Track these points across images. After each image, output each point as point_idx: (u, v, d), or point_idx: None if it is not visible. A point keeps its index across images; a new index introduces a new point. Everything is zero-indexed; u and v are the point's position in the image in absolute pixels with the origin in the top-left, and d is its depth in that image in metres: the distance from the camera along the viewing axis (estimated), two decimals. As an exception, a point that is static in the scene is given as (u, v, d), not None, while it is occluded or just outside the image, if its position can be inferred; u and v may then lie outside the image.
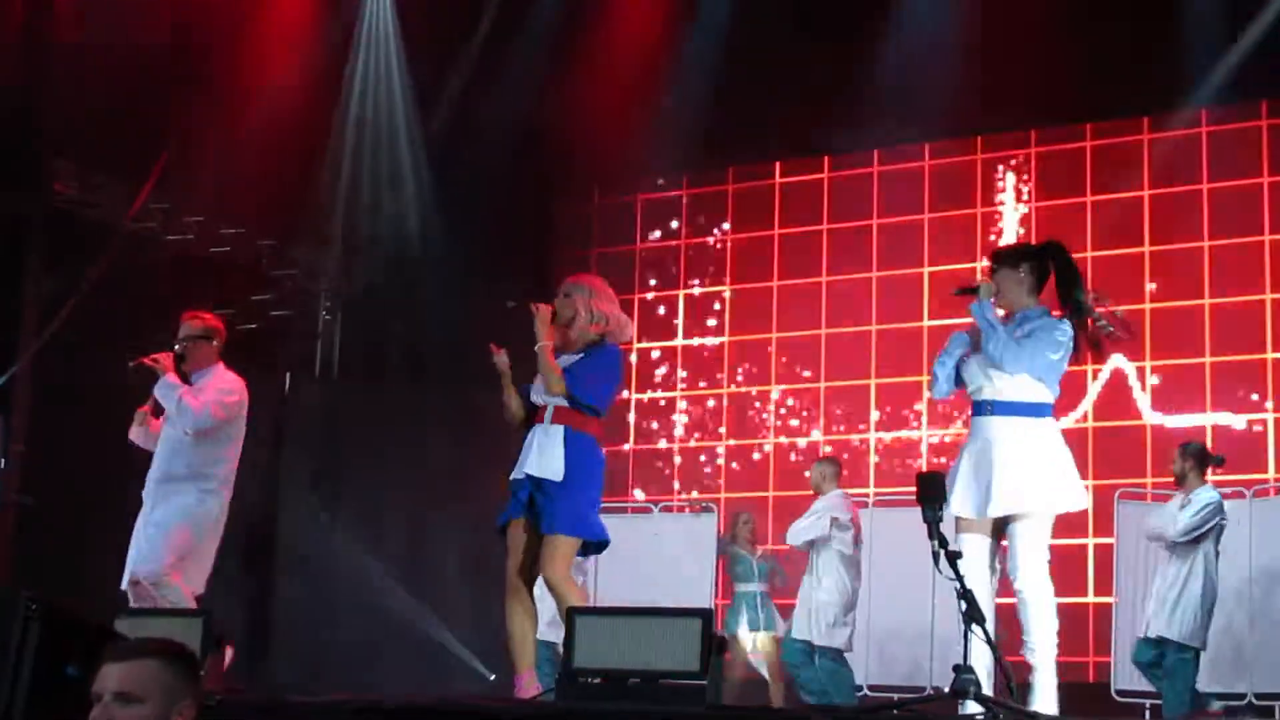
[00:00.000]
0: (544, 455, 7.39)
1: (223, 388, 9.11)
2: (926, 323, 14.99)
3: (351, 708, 6.54)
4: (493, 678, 13.73)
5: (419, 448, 14.43)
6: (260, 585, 14.25)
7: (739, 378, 15.90)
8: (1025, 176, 14.97)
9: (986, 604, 7.24)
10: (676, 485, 15.93)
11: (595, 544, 7.56)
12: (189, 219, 15.67)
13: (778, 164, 15.94)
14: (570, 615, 6.60)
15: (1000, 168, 15.13)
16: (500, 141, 15.64)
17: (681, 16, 15.05)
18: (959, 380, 7.70)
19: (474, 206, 15.82)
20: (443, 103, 15.89)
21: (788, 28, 14.65)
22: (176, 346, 9.15)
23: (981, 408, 7.53)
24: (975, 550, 7.43)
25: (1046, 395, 7.46)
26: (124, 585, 9.06)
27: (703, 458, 15.97)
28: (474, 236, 15.81)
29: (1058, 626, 7.39)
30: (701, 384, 16.08)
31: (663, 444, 16.19)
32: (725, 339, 15.92)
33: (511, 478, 7.54)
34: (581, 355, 7.54)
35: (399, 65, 15.94)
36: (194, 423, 8.92)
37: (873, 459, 15.06)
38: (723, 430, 15.89)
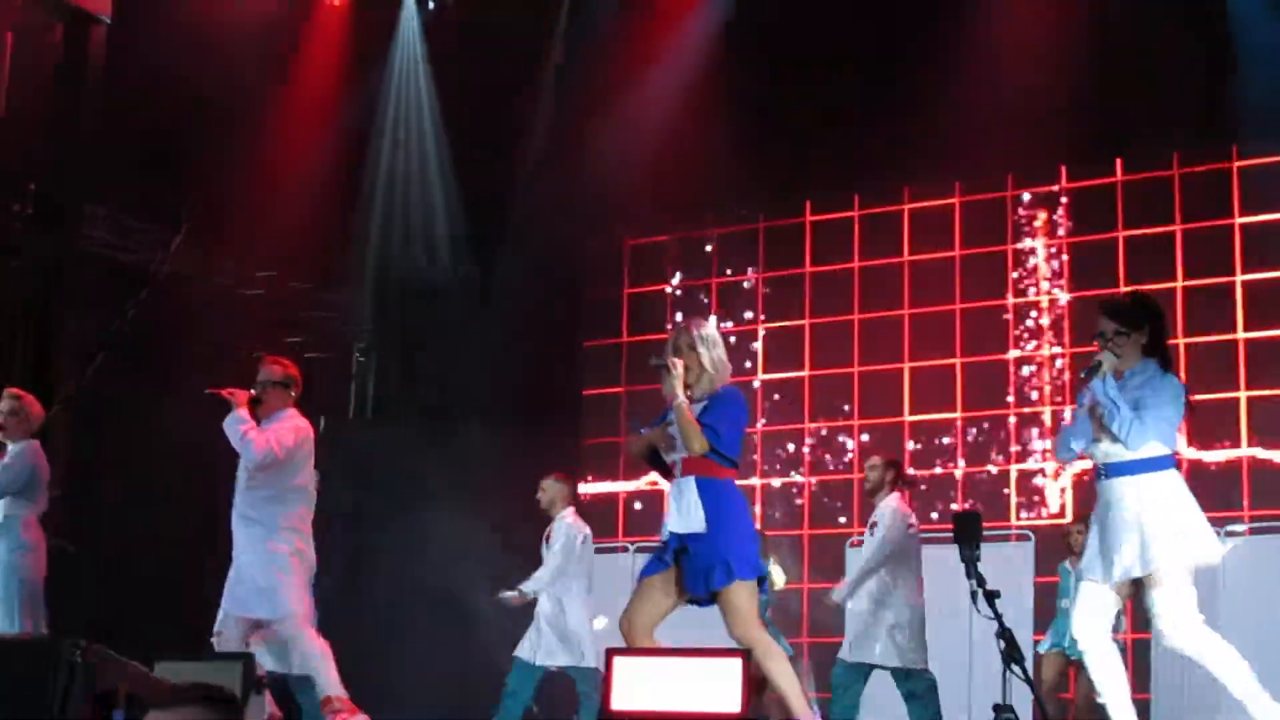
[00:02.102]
0: (684, 510, 7.30)
1: (286, 428, 9.22)
2: (959, 359, 14.96)
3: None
4: (534, 709, 13.71)
5: (456, 487, 14.42)
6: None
7: (769, 414, 15.87)
8: (1057, 212, 14.94)
9: (1108, 656, 7.30)
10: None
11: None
12: (223, 262, 15.74)
13: (807, 202, 15.93)
14: (608, 656, 6.59)
15: (1027, 195, 15.08)
16: (532, 182, 15.71)
17: (714, 57, 15.09)
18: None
19: (505, 247, 15.88)
20: (473, 142, 15.96)
21: (819, 68, 14.71)
22: (254, 389, 9.26)
23: (1100, 471, 7.50)
24: (1099, 606, 7.40)
25: (1164, 448, 7.42)
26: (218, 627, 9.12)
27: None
28: (506, 277, 15.86)
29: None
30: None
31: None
32: (759, 378, 15.89)
33: (661, 538, 7.50)
34: (708, 405, 7.41)
35: (430, 108, 16.01)
36: (255, 458, 9.03)
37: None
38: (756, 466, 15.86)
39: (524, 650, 11.57)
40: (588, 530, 11.82)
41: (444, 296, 16.45)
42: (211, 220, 14.97)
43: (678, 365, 7.39)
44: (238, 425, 9.07)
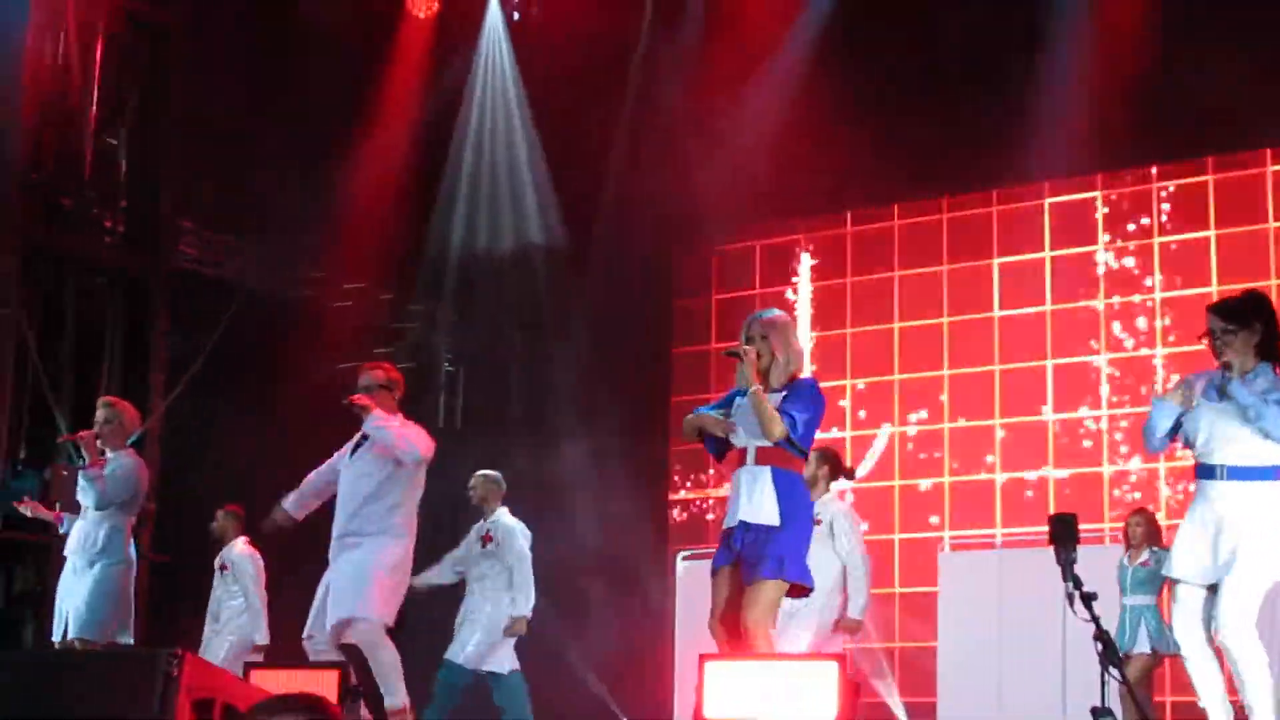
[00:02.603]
0: (756, 500, 7.20)
1: (422, 430, 9.25)
2: (1051, 361, 14.84)
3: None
4: None
5: (548, 498, 14.41)
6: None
7: (861, 416, 15.79)
8: (1146, 212, 14.81)
9: (1208, 661, 7.25)
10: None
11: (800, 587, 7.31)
12: (311, 275, 15.84)
13: (895, 206, 15.85)
14: (702, 663, 6.54)
15: (1108, 194, 14.96)
16: (620, 188, 15.71)
17: (800, 60, 15.05)
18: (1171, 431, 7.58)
19: (593, 255, 15.88)
20: (558, 153, 15.98)
21: (904, 70, 14.65)
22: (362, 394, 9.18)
23: (1213, 471, 7.37)
24: (1195, 607, 7.33)
25: (1278, 456, 7.31)
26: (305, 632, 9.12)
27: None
28: (593, 284, 15.87)
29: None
30: (833, 428, 15.95)
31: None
32: (848, 382, 15.82)
33: (725, 526, 7.41)
34: (786, 395, 7.32)
35: (519, 115, 16.03)
36: (416, 455, 9.02)
37: (998, 499, 14.90)
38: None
39: (458, 654, 11.41)
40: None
41: (532, 306, 16.48)
42: (298, 234, 15.09)
43: (751, 353, 7.34)
44: (384, 424, 9.04)
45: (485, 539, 11.54)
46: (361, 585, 8.86)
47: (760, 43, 15.25)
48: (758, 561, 7.11)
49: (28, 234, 13.48)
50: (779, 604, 7.21)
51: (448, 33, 15.89)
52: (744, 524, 7.22)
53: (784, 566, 7.10)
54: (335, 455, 9.42)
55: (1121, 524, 11.95)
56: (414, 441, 9.02)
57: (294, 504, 9.45)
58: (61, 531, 10.25)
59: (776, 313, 7.62)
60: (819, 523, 9.63)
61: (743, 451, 7.34)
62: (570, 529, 14.55)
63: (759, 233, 16.52)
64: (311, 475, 9.50)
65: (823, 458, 10.17)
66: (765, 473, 7.23)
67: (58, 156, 13.82)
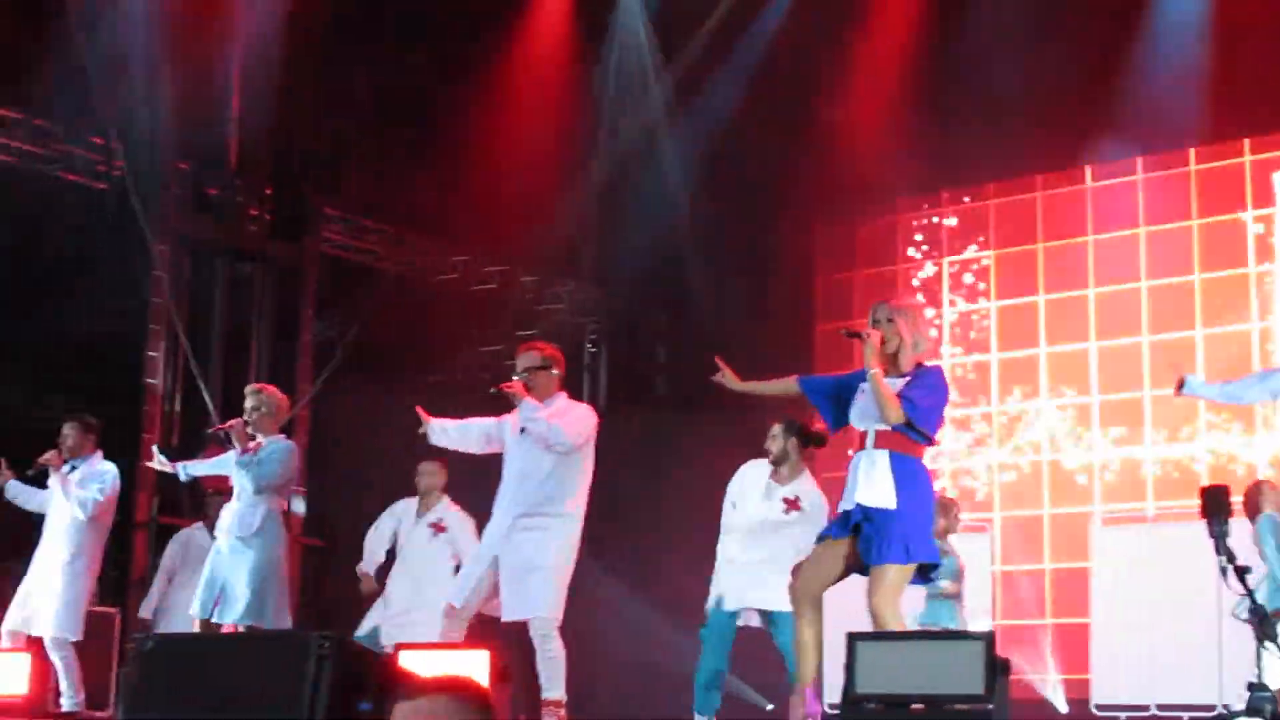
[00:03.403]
0: (873, 483, 7.21)
1: (581, 410, 9.12)
2: (1200, 331, 14.61)
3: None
4: (770, 708, 13.67)
5: (694, 474, 14.40)
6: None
7: (1011, 394, 15.65)
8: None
9: None
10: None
11: (929, 567, 7.33)
12: (455, 259, 15.95)
13: (1038, 177, 15.67)
14: (851, 640, 6.53)
15: (1257, 159, 14.69)
16: (761, 164, 15.66)
17: (936, 33, 14.92)
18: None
19: (734, 231, 15.84)
20: (702, 125, 15.91)
21: (1040, 37, 14.47)
22: (517, 378, 8.99)
23: None
24: None
25: None
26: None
27: (969, 481, 15.68)
28: (734, 262, 15.84)
29: None
30: (980, 401, 15.81)
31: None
32: (993, 356, 15.68)
33: (840, 509, 7.42)
34: (910, 380, 7.32)
35: (658, 90, 15.99)
36: (568, 441, 8.84)
37: (1150, 472, 14.70)
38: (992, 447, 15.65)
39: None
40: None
41: (672, 285, 16.47)
42: (442, 217, 15.19)
43: (873, 335, 7.31)
44: (535, 412, 8.85)
45: (436, 528, 11.49)
46: (535, 582, 8.78)
47: (901, 13, 15.13)
48: (881, 545, 7.13)
49: (176, 224, 13.69)
50: (903, 587, 7.20)
51: (585, 10, 15.88)
52: (860, 507, 7.22)
53: (909, 550, 7.13)
54: (500, 420, 9.20)
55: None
56: (564, 428, 8.82)
57: (440, 429, 9.26)
58: (183, 479, 10.64)
59: (906, 298, 7.63)
60: (796, 505, 9.49)
61: (863, 435, 7.36)
62: (715, 505, 14.52)
63: (903, 206, 16.42)
64: (471, 420, 9.31)
65: (788, 428, 9.66)
66: (883, 456, 7.24)
67: (204, 147, 14.01)
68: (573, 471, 8.96)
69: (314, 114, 14.60)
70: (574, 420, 8.96)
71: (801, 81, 15.43)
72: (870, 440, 7.29)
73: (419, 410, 9.19)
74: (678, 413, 15.68)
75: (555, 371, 9.09)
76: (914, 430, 7.20)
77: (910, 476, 7.22)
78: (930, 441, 7.32)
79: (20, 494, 10.83)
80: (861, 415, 7.37)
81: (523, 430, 8.97)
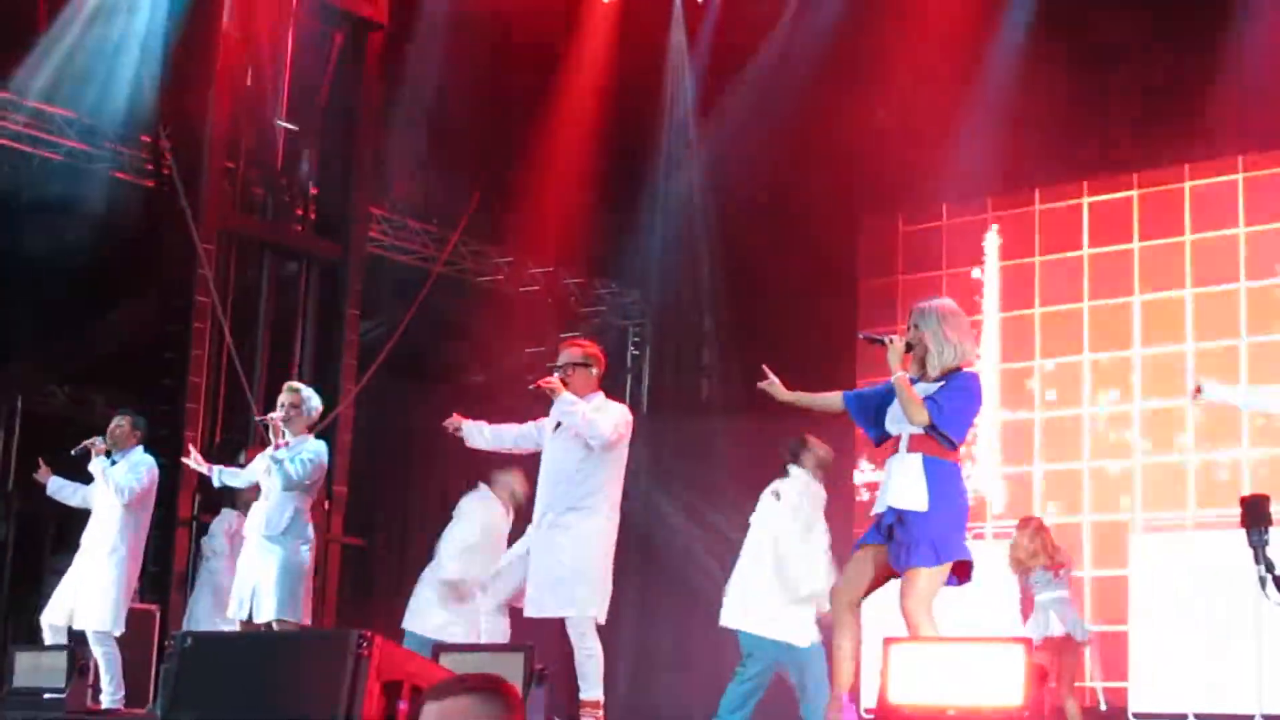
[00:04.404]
0: (904, 486, 7.22)
1: (616, 407, 9.06)
2: (1245, 339, 14.54)
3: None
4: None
5: (735, 479, 14.40)
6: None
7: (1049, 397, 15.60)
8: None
9: None
10: (998, 510, 15.64)
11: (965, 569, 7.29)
12: (498, 260, 15.99)
13: (1085, 183, 15.63)
14: (886, 646, 6.51)
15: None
16: (805, 168, 15.63)
17: (984, 37, 14.89)
18: None
19: (777, 237, 15.82)
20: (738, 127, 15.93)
21: (1091, 45, 14.44)
22: (556, 373, 8.98)
23: None
24: None
25: None
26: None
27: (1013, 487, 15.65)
28: (778, 266, 15.81)
29: None
30: (1021, 409, 15.77)
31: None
32: (1036, 362, 15.64)
33: (873, 511, 7.43)
34: (941, 384, 7.32)
35: (694, 94, 16.00)
36: (605, 436, 8.79)
37: (1190, 480, 14.64)
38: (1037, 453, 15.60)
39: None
40: None
41: (717, 288, 16.47)
42: (486, 219, 15.23)
43: (895, 340, 7.36)
44: (573, 407, 8.83)
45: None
46: (566, 581, 8.77)
47: (949, 24, 15.09)
48: (911, 548, 7.12)
49: (222, 223, 13.76)
50: (936, 590, 7.16)
51: (634, 15, 15.89)
52: (892, 509, 7.22)
53: (938, 551, 7.11)
54: (537, 422, 9.24)
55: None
56: (600, 425, 8.79)
57: (476, 430, 9.32)
58: (216, 485, 10.80)
59: (937, 301, 7.60)
60: (777, 497, 9.76)
61: (897, 439, 7.36)
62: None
63: (948, 212, 16.38)
64: (507, 425, 9.35)
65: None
66: (916, 459, 7.23)
67: (250, 146, 14.08)
68: (605, 469, 8.93)
69: (362, 116, 14.65)
70: (610, 416, 8.93)
71: (851, 86, 15.40)
72: (904, 444, 7.30)
73: (456, 415, 9.26)
74: (717, 418, 15.66)
75: (594, 370, 9.08)
76: (938, 433, 7.20)
77: (944, 480, 7.21)
78: (955, 446, 7.30)
79: (62, 489, 10.90)
80: (894, 419, 7.38)
81: (557, 426, 8.99)
